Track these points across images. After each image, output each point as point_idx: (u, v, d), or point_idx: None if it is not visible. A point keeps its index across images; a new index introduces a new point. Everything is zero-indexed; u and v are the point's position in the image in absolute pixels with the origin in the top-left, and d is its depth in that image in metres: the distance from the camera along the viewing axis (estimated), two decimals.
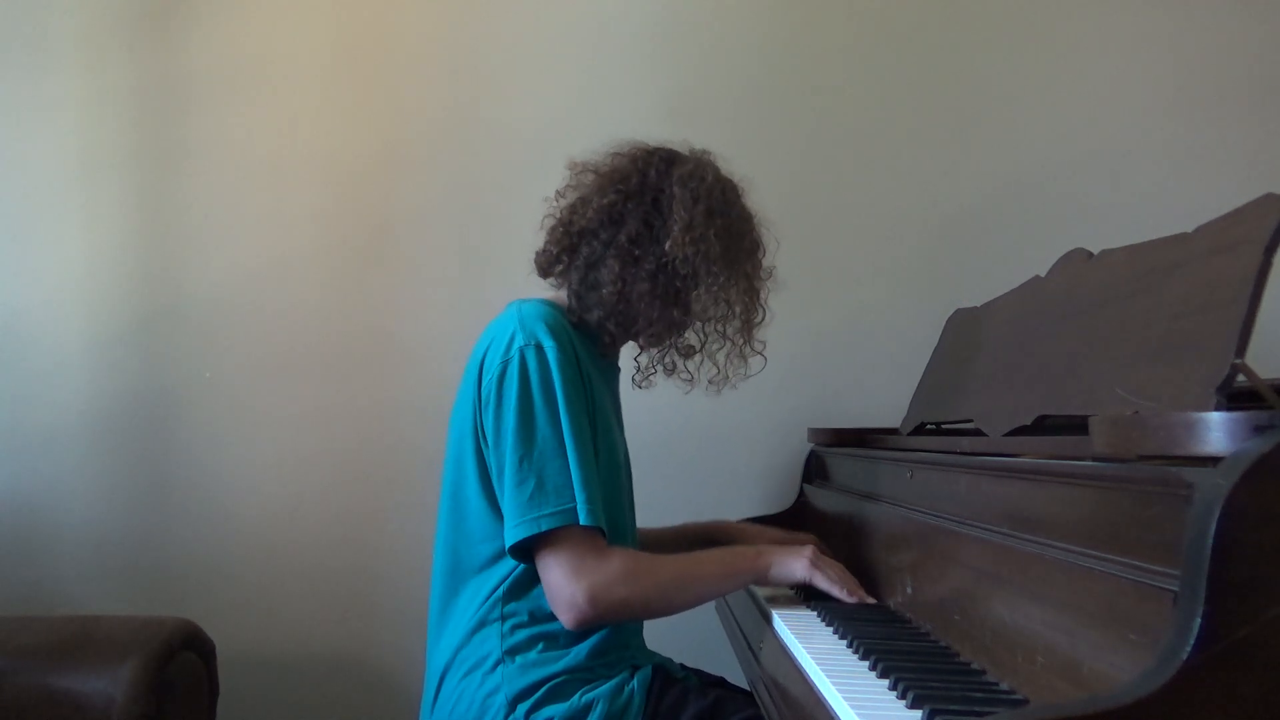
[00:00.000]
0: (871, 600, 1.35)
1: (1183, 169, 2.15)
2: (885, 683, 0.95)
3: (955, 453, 1.26)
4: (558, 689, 1.24)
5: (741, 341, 1.40)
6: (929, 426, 1.63)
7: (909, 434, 1.65)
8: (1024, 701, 0.87)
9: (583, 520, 1.20)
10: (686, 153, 1.43)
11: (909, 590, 1.26)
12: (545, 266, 1.44)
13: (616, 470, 1.37)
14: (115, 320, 2.28)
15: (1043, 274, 1.34)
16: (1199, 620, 0.62)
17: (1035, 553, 0.89)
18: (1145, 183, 2.16)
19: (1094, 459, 0.83)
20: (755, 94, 2.25)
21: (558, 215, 1.43)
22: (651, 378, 1.47)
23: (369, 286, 2.27)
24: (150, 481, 2.26)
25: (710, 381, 1.43)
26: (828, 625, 1.24)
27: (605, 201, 1.37)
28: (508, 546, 1.23)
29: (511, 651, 1.26)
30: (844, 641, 1.14)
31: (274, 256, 2.28)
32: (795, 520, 2.00)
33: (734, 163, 1.47)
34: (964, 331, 1.65)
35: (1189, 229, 0.97)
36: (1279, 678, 0.62)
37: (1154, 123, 2.19)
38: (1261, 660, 0.62)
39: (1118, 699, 0.62)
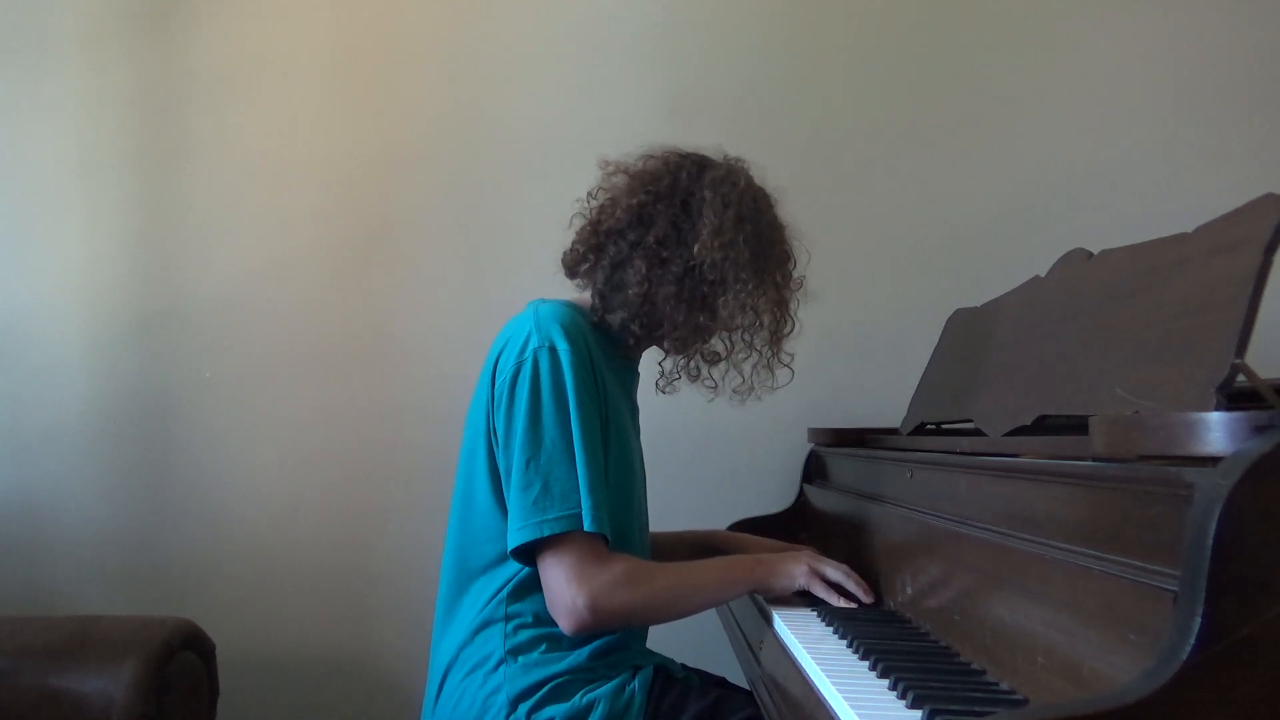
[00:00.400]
0: (870, 599, 1.34)
1: (1183, 169, 2.15)
2: (885, 683, 0.95)
3: (955, 453, 1.26)
4: (559, 689, 1.24)
5: (769, 353, 1.39)
6: (929, 426, 1.63)
7: (909, 434, 1.65)
8: (1024, 701, 0.87)
9: (587, 526, 1.19)
10: (719, 159, 1.42)
11: (909, 590, 1.26)
12: (572, 266, 1.43)
13: (630, 475, 1.36)
14: (115, 320, 2.28)
15: (1043, 274, 1.34)
16: (1199, 620, 0.62)
17: (1035, 553, 0.89)
18: (1145, 183, 2.16)
19: (1094, 459, 0.83)
20: (755, 94, 2.25)
21: (587, 215, 1.42)
22: (675, 383, 1.45)
23: (369, 286, 2.27)
24: (150, 481, 2.26)
25: (735, 391, 1.41)
26: (828, 625, 1.24)
27: (634, 202, 1.36)
28: (510, 549, 1.22)
29: (514, 651, 1.26)
30: (844, 641, 1.14)
31: (274, 256, 2.28)
32: (795, 520, 2.00)
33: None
34: (964, 331, 1.65)
35: (1189, 229, 0.97)
36: (1279, 678, 0.62)
37: (1154, 123, 2.19)
38: (1261, 660, 0.62)
39: (1118, 699, 0.62)
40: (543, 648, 1.26)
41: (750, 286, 1.34)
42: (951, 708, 0.84)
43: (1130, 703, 0.61)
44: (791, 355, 1.42)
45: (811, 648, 1.12)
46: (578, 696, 1.23)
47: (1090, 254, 1.21)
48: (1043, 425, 1.11)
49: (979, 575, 1.02)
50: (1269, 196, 0.85)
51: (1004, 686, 0.92)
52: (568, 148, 2.17)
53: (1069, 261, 1.27)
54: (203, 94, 2.30)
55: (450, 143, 2.28)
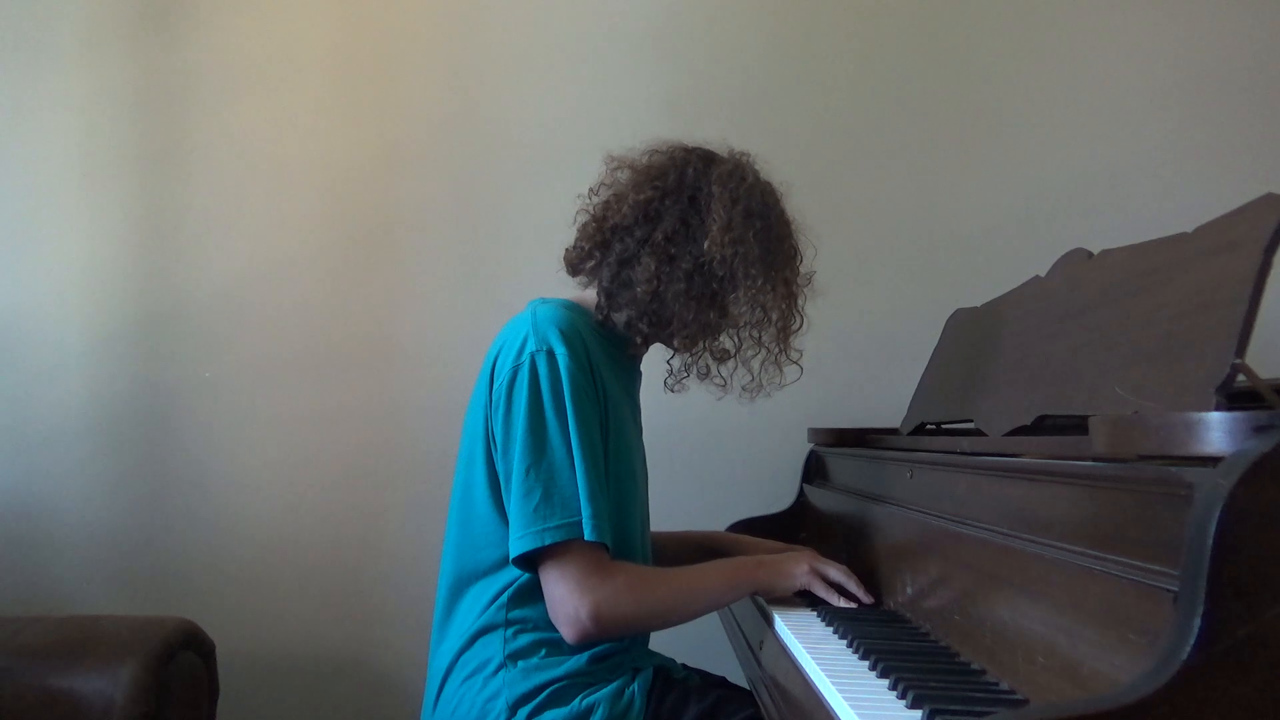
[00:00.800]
0: (870, 599, 1.34)
1: (1183, 169, 2.15)
2: (885, 683, 0.95)
3: (955, 453, 1.26)
4: (559, 693, 1.23)
5: (778, 349, 1.38)
6: (929, 426, 1.63)
7: (909, 434, 1.65)
8: (1024, 701, 0.87)
9: (588, 535, 1.18)
10: (725, 153, 1.40)
11: (909, 590, 1.26)
12: (575, 263, 1.41)
13: (631, 478, 1.35)
14: (115, 320, 2.28)
15: (1043, 274, 1.34)
16: (1199, 620, 0.61)
17: (1035, 553, 0.89)
18: (1145, 183, 2.16)
19: (1094, 459, 0.83)
20: (756, 95, 2.25)
21: (591, 211, 1.41)
22: (684, 381, 1.44)
23: (369, 286, 2.27)
24: (150, 481, 2.26)
25: (744, 389, 1.40)
26: (828, 625, 1.24)
27: (641, 198, 1.35)
28: (511, 557, 1.21)
29: (513, 656, 1.25)
30: (844, 641, 1.14)
31: (274, 257, 2.28)
32: (795, 520, 2.00)
33: None
34: (964, 331, 1.65)
35: (1189, 229, 0.97)
36: (1279, 678, 0.62)
37: (1154, 123, 2.19)
38: (1261, 660, 0.62)
39: (1118, 699, 0.62)
40: (542, 652, 1.25)
41: (760, 283, 1.33)
42: (951, 708, 0.84)
43: (1130, 703, 0.61)
44: (800, 352, 1.40)
45: (811, 648, 1.12)
46: (577, 700, 1.23)
47: (1090, 254, 1.21)
48: (1043, 425, 1.11)
49: (979, 575, 1.02)
50: (1269, 196, 0.85)
51: (1004, 686, 0.92)
52: (568, 148, 2.18)
53: (1069, 261, 1.27)
54: (203, 94, 2.30)
55: (450, 143, 2.28)
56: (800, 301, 1.39)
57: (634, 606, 1.22)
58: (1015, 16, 2.24)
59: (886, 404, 1.88)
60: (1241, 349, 0.77)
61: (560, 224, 1.44)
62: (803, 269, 1.40)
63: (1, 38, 2.31)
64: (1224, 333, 0.80)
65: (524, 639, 1.26)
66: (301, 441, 2.24)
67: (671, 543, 1.61)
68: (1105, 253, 1.17)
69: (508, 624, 1.26)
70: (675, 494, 2.09)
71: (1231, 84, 2.18)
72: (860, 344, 2.19)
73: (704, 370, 1.42)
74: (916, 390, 1.75)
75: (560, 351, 1.24)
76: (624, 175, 1.40)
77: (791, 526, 1.98)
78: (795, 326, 1.39)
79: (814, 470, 2.04)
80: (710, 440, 2.19)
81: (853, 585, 1.34)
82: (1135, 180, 2.17)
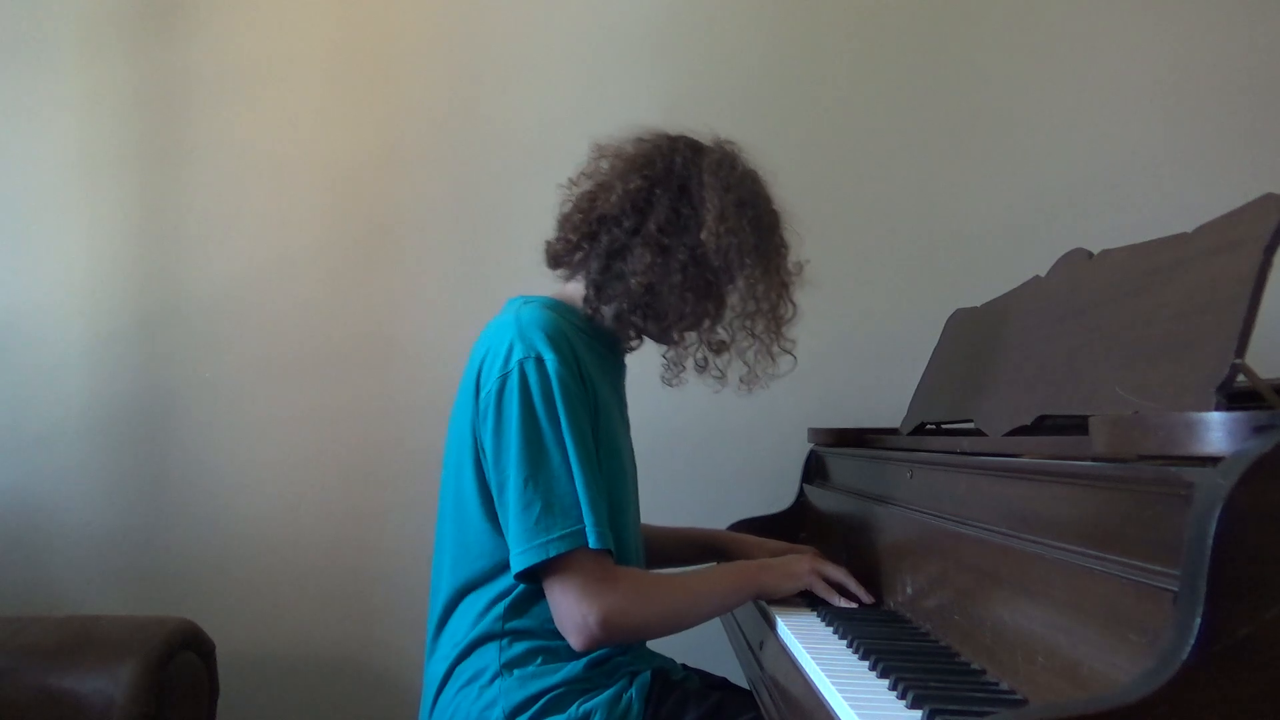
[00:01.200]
0: (870, 599, 1.34)
1: (1183, 169, 2.15)
2: (885, 683, 0.95)
3: (955, 453, 1.26)
4: (555, 701, 1.21)
5: (770, 339, 1.36)
6: (929, 426, 1.63)
7: (909, 434, 1.65)
8: (1024, 701, 0.87)
9: (592, 543, 1.16)
10: (711, 142, 1.38)
11: (909, 590, 1.26)
12: (560, 255, 1.38)
13: (622, 477, 1.34)
14: (115, 320, 2.28)
15: (1043, 274, 1.34)
16: (1199, 620, 0.61)
17: (1035, 553, 0.89)
18: (1145, 183, 2.16)
19: (1094, 459, 0.83)
20: (756, 95, 2.25)
21: (575, 201, 1.37)
22: (682, 375, 1.42)
23: (369, 286, 2.27)
24: (150, 481, 2.26)
25: (741, 380, 1.38)
26: (828, 626, 1.24)
27: (631, 187, 1.31)
28: (514, 572, 1.19)
29: (510, 665, 1.23)
30: (844, 642, 1.14)
31: (274, 256, 2.28)
32: (795, 520, 2.00)
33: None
34: (964, 331, 1.65)
35: (1189, 229, 0.97)
36: (1279, 678, 0.62)
37: (1154, 123, 2.19)
38: (1261, 660, 0.62)
39: (1118, 699, 0.62)
40: (538, 660, 1.23)
41: (755, 272, 1.31)
42: (951, 708, 0.84)
43: (1130, 703, 0.61)
44: (793, 341, 1.39)
45: (812, 648, 1.12)
46: (574, 707, 1.21)
47: (1090, 254, 1.21)
48: (1043, 425, 1.11)
49: (979, 575, 1.02)
50: (1269, 196, 0.85)
51: (1004, 686, 0.92)
52: (568, 148, 2.16)
53: (1069, 261, 1.27)
54: (203, 94, 2.30)
55: (450, 143, 2.28)
56: (792, 290, 1.37)
57: (642, 613, 1.22)
58: (1016, 17, 2.24)
59: (886, 404, 1.88)
60: (1241, 349, 0.77)
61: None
62: (792, 258, 1.39)
63: (1, 38, 2.31)
64: (1224, 333, 0.80)
65: (520, 647, 1.24)
66: (301, 441, 2.24)
67: (671, 540, 1.60)
68: (1105, 253, 1.17)
69: (504, 633, 1.24)
70: (675, 494, 2.09)
71: (1231, 84, 2.18)
72: (860, 344, 2.19)
73: (701, 363, 1.40)
74: (916, 390, 1.75)
75: (549, 357, 1.20)
76: (608, 164, 1.37)
77: (791, 526, 1.98)
78: (788, 315, 1.37)
79: (814, 470, 2.04)
80: (710, 440, 2.19)
81: (853, 585, 1.34)
82: (1135, 180, 2.17)
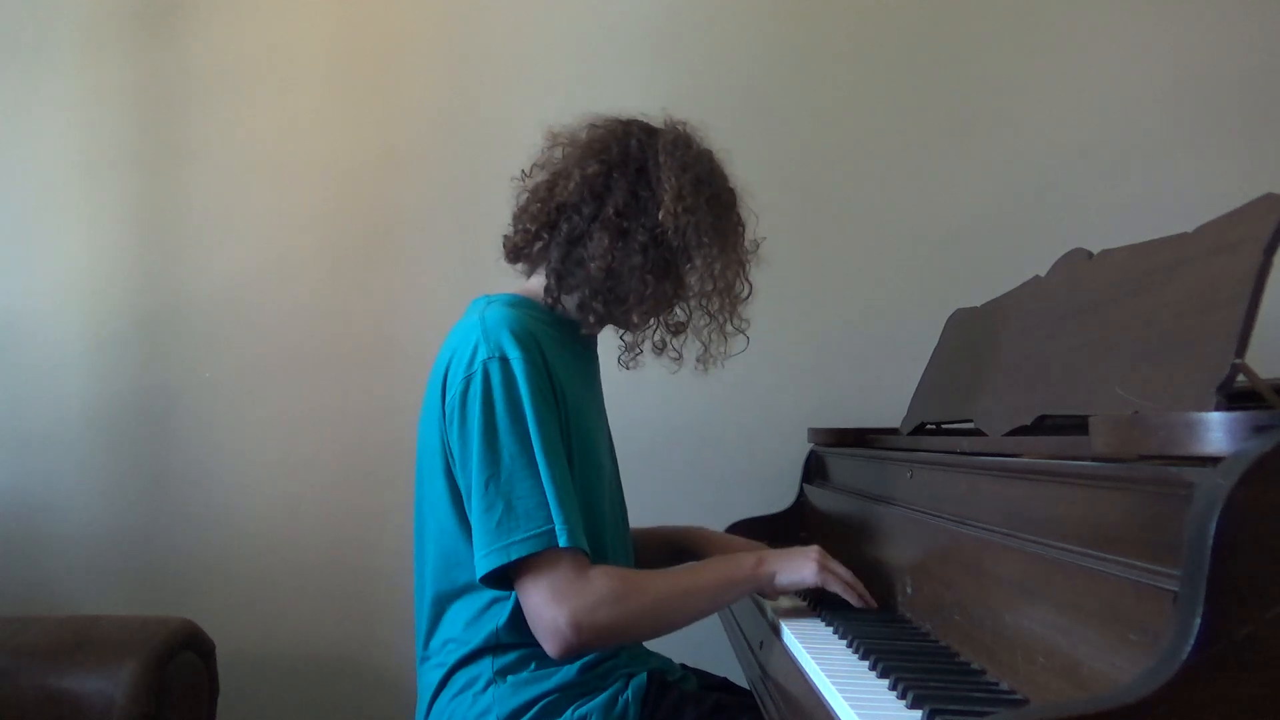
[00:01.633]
0: (874, 604, 1.31)
1: (1183, 169, 2.15)
2: (885, 683, 0.95)
3: (955, 453, 1.26)
4: (550, 707, 1.19)
5: (724, 318, 1.33)
6: (929, 426, 1.63)
7: (909, 434, 1.65)
8: (1024, 701, 0.87)
9: (562, 542, 1.12)
10: (664, 123, 1.37)
11: (909, 590, 1.26)
12: (519, 247, 1.35)
13: (599, 472, 1.31)
14: (115, 320, 2.28)
15: (1043, 274, 1.34)
16: (1199, 620, 0.61)
17: (1035, 553, 0.89)
18: (1145, 183, 2.16)
19: (1094, 459, 0.83)
20: (755, 93, 2.25)
21: (531, 191, 1.35)
22: (639, 357, 1.39)
23: (369, 286, 2.27)
24: (150, 481, 2.26)
25: (697, 360, 1.35)
26: (828, 625, 1.24)
27: (589, 173, 1.29)
28: (478, 577, 1.15)
29: (503, 672, 1.21)
30: (844, 641, 1.14)
31: (274, 256, 2.28)
32: (795, 520, 2.00)
33: (734, 164, 1.43)
34: (964, 331, 1.65)
35: (1189, 229, 0.97)
36: (1279, 678, 0.62)
37: (1154, 122, 2.19)
38: (1261, 660, 0.62)
39: (1118, 699, 0.62)
40: (532, 666, 1.21)
41: (714, 250, 1.29)
42: (951, 708, 0.84)
43: (1130, 703, 0.61)
44: (748, 321, 1.36)
45: (811, 648, 1.12)
46: (569, 712, 1.19)
47: (1090, 254, 1.21)
48: (1043, 425, 1.10)
49: (979, 575, 1.02)
50: (1269, 196, 0.85)
51: (1004, 686, 0.92)
52: None
53: (1069, 261, 1.27)
54: (203, 94, 2.30)
55: (450, 143, 2.28)
56: (748, 269, 1.35)
57: (617, 612, 1.15)
58: (1016, 16, 2.24)
59: (886, 404, 1.88)
60: (1241, 349, 0.77)
61: None
62: (749, 236, 1.37)
63: (1, 38, 2.31)
64: (1224, 333, 0.80)
65: (513, 654, 1.22)
66: (301, 441, 2.24)
67: (648, 541, 1.56)
68: (1105, 253, 1.17)
69: (496, 640, 1.22)
70: (675, 494, 2.09)
71: (1231, 83, 2.18)
72: (860, 344, 2.19)
73: (660, 344, 1.38)
74: (916, 390, 1.75)
75: (514, 356, 1.18)
76: (562, 152, 1.35)
77: (791, 526, 1.98)
78: (744, 294, 1.34)
79: (814, 470, 2.04)
80: (710, 440, 2.19)
81: (853, 597, 1.31)
82: (1135, 180, 2.17)
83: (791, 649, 1.16)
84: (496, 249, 2.09)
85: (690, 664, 1.44)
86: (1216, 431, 0.67)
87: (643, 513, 1.55)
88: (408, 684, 2.15)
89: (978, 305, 1.64)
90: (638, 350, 1.39)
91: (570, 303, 1.31)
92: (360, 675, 2.20)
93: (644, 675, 1.25)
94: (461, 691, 1.23)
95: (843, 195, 2.22)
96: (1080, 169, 2.19)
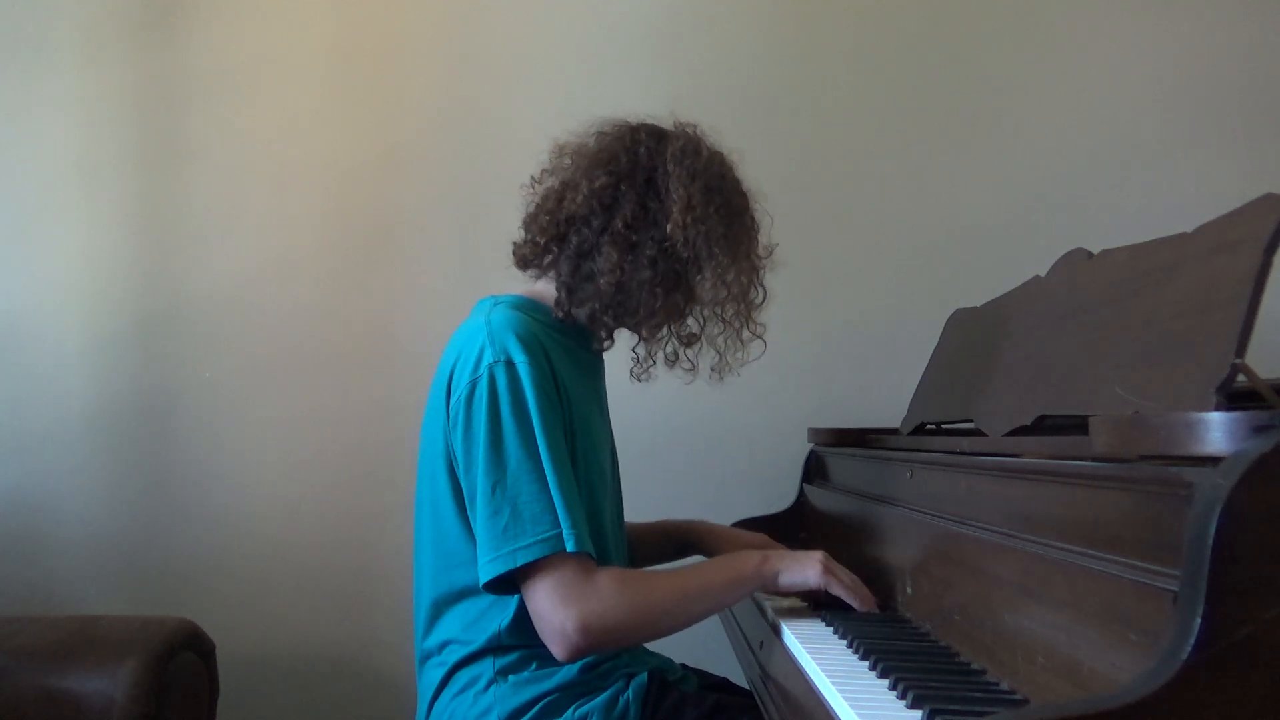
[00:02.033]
0: (876, 608, 1.30)
1: (1183, 169, 2.15)
2: (885, 683, 0.95)
3: (955, 453, 1.26)
4: (551, 706, 1.19)
5: (739, 325, 1.32)
6: (929, 426, 1.63)
7: (909, 434, 1.65)
8: (1024, 701, 0.87)
9: (569, 547, 1.12)
10: (673, 127, 1.35)
11: (909, 590, 1.26)
12: (528, 258, 1.35)
13: (602, 475, 1.31)
14: (115, 320, 2.28)
15: (1043, 274, 1.34)
16: (1199, 620, 0.61)
17: (1035, 553, 0.89)
18: (1145, 183, 2.16)
19: (1094, 459, 0.83)
20: (756, 93, 2.25)
21: (540, 201, 1.34)
22: (651, 370, 1.38)
23: (369, 286, 2.27)
24: (150, 481, 2.26)
25: (712, 369, 1.35)
26: (828, 625, 1.23)
27: (596, 185, 1.28)
28: (482, 583, 1.14)
29: (504, 671, 1.21)
30: (844, 641, 1.14)
31: (274, 256, 2.28)
32: (795, 520, 2.00)
33: (737, 164, 1.43)
34: (964, 331, 1.65)
35: (1189, 229, 0.97)
36: (1279, 678, 0.62)
37: (1154, 122, 2.19)
38: (1261, 660, 0.62)
39: (1118, 699, 0.62)
40: (533, 666, 1.21)
41: (724, 260, 1.28)
42: (951, 708, 0.84)
43: (1130, 703, 0.61)
44: (764, 325, 1.35)
45: (811, 648, 1.12)
46: (570, 712, 1.19)
47: (1090, 254, 1.21)
48: (1043, 425, 1.11)
49: (979, 575, 1.02)
50: (1269, 196, 0.85)
51: (1004, 686, 0.92)
52: None
53: (1069, 261, 1.27)
54: (203, 94, 2.30)
55: (450, 143, 2.28)
56: (762, 273, 1.34)
57: (624, 615, 1.14)
58: (1017, 17, 2.24)
59: (886, 404, 1.88)
60: (1241, 349, 0.77)
61: None
62: (762, 240, 1.35)
63: (1, 38, 2.31)
64: (1224, 333, 0.80)
65: (514, 654, 1.22)
66: (302, 441, 2.24)
67: (648, 536, 1.56)
68: (1105, 253, 1.17)
69: (498, 640, 1.22)
70: (675, 494, 2.09)
71: (1231, 83, 2.18)
72: (860, 344, 2.20)
73: (672, 356, 1.37)
74: (916, 390, 1.75)
75: (520, 360, 1.17)
76: (570, 161, 1.34)
77: (791, 526, 1.98)
78: (758, 300, 1.33)
79: (814, 470, 2.04)
80: (710, 440, 2.19)
81: (856, 601, 1.29)
82: (1135, 180, 2.17)
83: (791, 649, 1.16)
84: (496, 249, 2.09)
85: (690, 664, 1.44)
86: (1216, 431, 0.67)
87: (643, 512, 1.54)
88: (408, 684, 2.16)
89: (978, 305, 1.64)
90: (650, 363, 1.38)
91: (581, 315, 1.30)
92: (360, 675, 2.20)
93: (644, 675, 1.25)
94: (463, 691, 1.23)
95: (843, 195, 2.22)
96: (1080, 169, 2.19)
